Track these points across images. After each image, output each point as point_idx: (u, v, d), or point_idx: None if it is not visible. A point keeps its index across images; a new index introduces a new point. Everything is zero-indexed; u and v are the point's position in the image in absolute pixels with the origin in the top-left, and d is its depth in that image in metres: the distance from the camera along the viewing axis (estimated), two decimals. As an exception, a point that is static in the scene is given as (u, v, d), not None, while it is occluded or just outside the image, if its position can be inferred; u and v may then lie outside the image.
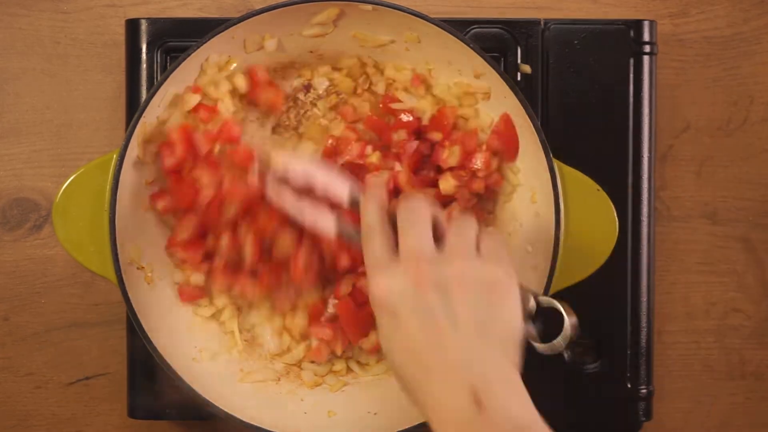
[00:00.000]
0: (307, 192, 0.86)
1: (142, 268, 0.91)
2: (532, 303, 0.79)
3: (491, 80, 0.89)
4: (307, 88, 0.94)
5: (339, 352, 0.94)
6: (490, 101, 0.91)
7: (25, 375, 1.02)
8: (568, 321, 0.79)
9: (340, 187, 0.84)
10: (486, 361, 0.71)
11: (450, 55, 0.91)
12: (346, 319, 0.92)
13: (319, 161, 0.88)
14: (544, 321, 0.79)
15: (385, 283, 0.74)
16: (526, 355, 0.75)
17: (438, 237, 0.77)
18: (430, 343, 0.72)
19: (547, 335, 0.79)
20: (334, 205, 0.85)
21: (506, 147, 0.91)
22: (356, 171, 0.91)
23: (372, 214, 0.79)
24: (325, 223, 0.84)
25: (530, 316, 0.78)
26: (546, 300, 0.80)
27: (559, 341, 0.79)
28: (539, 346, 0.79)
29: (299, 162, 0.86)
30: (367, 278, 0.77)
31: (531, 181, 0.91)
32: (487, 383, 0.70)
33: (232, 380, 0.94)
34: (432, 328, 0.72)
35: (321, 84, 0.94)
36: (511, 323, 0.74)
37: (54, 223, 0.89)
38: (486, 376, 0.71)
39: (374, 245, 0.77)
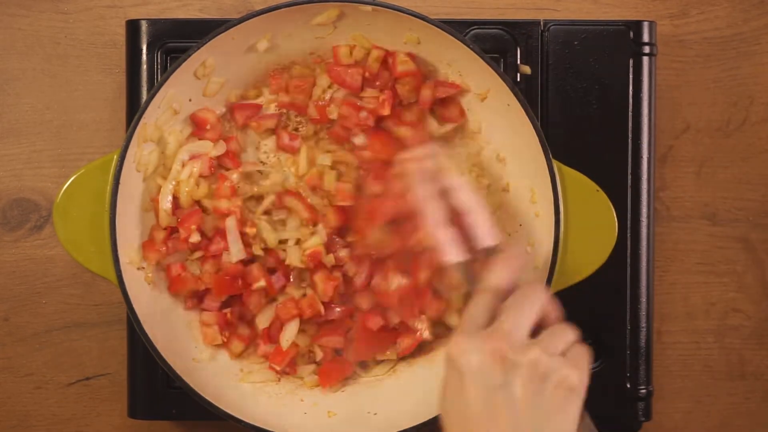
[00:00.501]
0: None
1: (143, 268, 0.91)
2: (589, 429, 0.79)
3: (491, 81, 0.89)
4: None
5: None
6: (490, 101, 0.92)
7: (25, 375, 1.02)
8: None
9: (488, 233, 0.85)
10: None
11: (450, 56, 0.91)
12: (361, 336, 0.93)
13: (476, 193, 0.89)
14: None
15: (464, 344, 0.75)
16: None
17: (537, 331, 0.77)
18: (483, 416, 0.73)
19: None
20: (463, 233, 0.86)
21: None
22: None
23: (499, 280, 0.79)
24: (453, 252, 0.85)
25: None
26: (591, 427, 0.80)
27: None
28: None
29: (463, 180, 0.88)
30: (454, 334, 0.78)
31: (531, 181, 0.91)
32: None
33: (232, 380, 0.94)
34: (489, 404, 0.73)
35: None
36: (566, 430, 0.75)
37: (54, 223, 0.89)
38: None
39: (480, 308, 0.78)
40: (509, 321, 0.76)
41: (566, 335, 0.77)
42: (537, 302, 0.77)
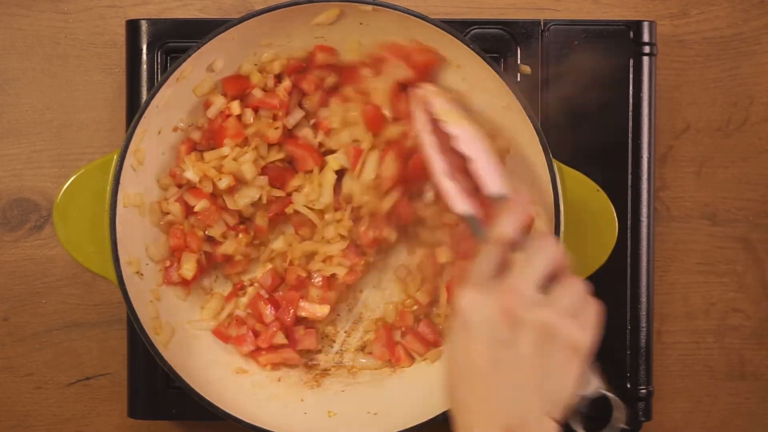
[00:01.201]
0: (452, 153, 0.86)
1: (141, 274, 0.91)
2: (594, 386, 0.78)
3: (491, 81, 0.89)
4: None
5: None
6: (490, 100, 0.91)
7: (25, 375, 1.02)
8: (616, 414, 0.79)
9: (493, 180, 0.84)
10: (530, 410, 0.73)
11: (449, 56, 0.91)
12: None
13: (482, 141, 0.87)
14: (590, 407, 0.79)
15: (474, 298, 0.74)
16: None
17: (547, 284, 0.76)
18: (486, 370, 0.73)
19: (592, 422, 0.79)
20: (470, 181, 0.85)
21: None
22: None
23: (507, 229, 0.78)
24: (459, 203, 0.84)
25: (585, 399, 0.77)
26: (601, 389, 0.79)
27: None
28: None
29: (468, 127, 0.87)
30: (463, 284, 0.76)
31: (531, 180, 0.91)
32: (523, 427, 0.72)
33: (232, 380, 0.94)
34: (494, 358, 0.73)
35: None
36: (567, 389, 0.74)
37: (55, 223, 0.89)
38: (525, 422, 0.72)
39: (488, 259, 0.77)
40: (520, 275, 0.75)
41: (577, 290, 0.76)
42: (548, 255, 0.76)
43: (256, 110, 0.93)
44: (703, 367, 1.03)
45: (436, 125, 0.87)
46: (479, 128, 0.88)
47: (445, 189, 0.85)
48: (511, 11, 1.01)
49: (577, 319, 0.74)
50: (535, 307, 0.73)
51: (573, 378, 0.74)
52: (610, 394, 0.78)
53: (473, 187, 0.85)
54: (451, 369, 0.75)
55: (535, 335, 0.73)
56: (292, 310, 0.94)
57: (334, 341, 0.98)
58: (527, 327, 0.73)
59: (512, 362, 0.72)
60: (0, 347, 1.01)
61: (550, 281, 0.76)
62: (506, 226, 0.78)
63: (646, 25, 0.96)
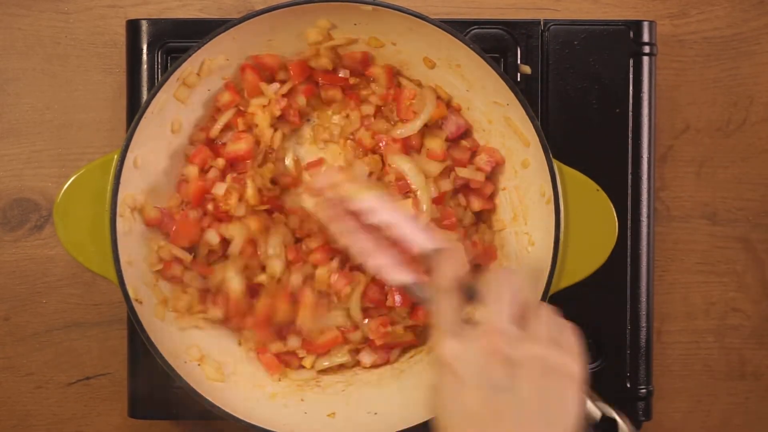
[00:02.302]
0: (367, 227, 0.85)
1: (140, 301, 0.91)
2: (596, 410, 0.77)
3: (491, 81, 0.89)
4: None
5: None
6: (490, 102, 0.92)
7: (25, 375, 1.02)
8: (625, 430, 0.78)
9: (420, 236, 0.82)
10: None
11: (451, 56, 0.91)
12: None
13: (394, 203, 0.86)
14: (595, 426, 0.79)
15: (456, 347, 0.72)
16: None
17: (518, 318, 0.75)
18: (489, 416, 0.71)
19: None
20: (396, 248, 0.84)
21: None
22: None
23: (450, 276, 0.77)
24: (394, 275, 0.83)
25: (591, 424, 0.77)
26: (604, 408, 0.78)
27: None
28: None
29: (375, 197, 0.85)
30: (436, 338, 0.75)
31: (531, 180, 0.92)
32: None
33: (232, 380, 0.94)
34: (495, 403, 0.71)
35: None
36: (572, 419, 0.73)
37: (55, 223, 0.89)
38: None
39: (448, 308, 0.76)
40: (493, 314, 0.73)
41: (551, 317, 0.75)
42: (514, 287, 0.75)
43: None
44: (703, 367, 1.03)
45: (346, 208, 0.86)
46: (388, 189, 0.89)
47: (374, 269, 0.84)
48: (511, 11, 1.01)
49: (562, 346, 0.73)
50: (521, 342, 0.72)
51: (576, 407, 0.72)
52: (618, 417, 0.78)
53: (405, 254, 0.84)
54: (450, 420, 0.73)
55: (531, 371, 0.71)
56: None
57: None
58: (521, 365, 0.71)
59: (514, 405, 0.71)
60: (0, 347, 1.02)
61: (520, 315, 0.74)
62: (447, 271, 0.77)
63: (646, 25, 0.96)
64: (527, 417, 0.71)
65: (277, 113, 0.93)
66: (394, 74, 0.94)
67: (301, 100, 0.94)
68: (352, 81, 0.94)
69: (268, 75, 0.93)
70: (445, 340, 0.73)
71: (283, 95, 0.93)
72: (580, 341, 0.75)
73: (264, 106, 0.93)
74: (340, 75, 0.94)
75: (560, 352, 0.73)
